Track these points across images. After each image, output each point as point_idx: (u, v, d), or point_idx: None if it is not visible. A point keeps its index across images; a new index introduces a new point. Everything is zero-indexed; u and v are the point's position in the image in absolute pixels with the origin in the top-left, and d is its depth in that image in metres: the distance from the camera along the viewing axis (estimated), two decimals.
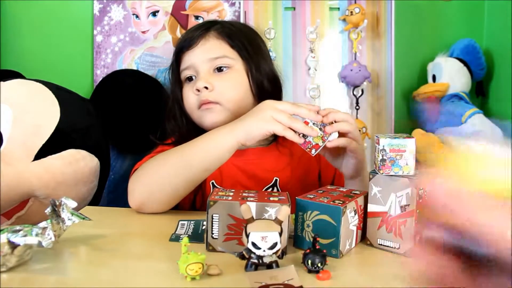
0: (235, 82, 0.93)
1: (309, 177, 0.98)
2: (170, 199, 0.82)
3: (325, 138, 0.74)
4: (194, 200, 0.92)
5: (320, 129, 0.74)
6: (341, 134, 0.77)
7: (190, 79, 0.96)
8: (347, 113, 0.81)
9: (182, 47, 0.96)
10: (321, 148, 0.75)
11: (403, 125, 1.46)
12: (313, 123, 0.74)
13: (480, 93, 1.44)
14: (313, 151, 0.75)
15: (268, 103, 0.78)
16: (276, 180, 0.94)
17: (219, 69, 0.93)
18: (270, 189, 0.94)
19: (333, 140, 0.76)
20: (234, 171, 0.94)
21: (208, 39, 0.94)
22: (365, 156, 0.86)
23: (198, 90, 0.91)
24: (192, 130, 0.95)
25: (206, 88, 0.90)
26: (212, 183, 0.93)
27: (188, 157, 0.80)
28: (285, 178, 0.95)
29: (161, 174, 0.81)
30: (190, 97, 0.94)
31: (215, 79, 0.91)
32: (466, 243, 0.36)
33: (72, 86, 1.12)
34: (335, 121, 0.76)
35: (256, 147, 0.95)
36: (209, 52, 0.93)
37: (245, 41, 0.96)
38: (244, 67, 0.94)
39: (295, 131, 0.74)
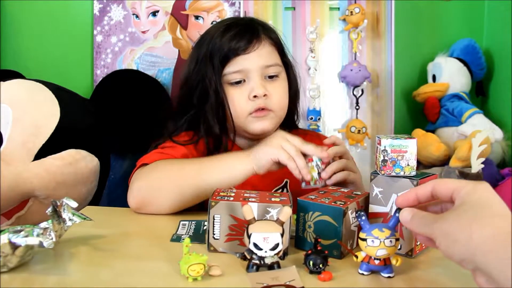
0: (285, 90, 0.95)
1: None
2: (172, 206, 0.81)
3: (317, 182, 0.79)
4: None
5: (319, 173, 0.79)
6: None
7: (237, 82, 0.92)
8: (343, 145, 0.87)
9: (233, 50, 0.91)
10: (309, 187, 0.79)
11: (403, 125, 1.46)
12: (316, 164, 0.78)
13: (480, 93, 1.44)
14: (303, 184, 0.80)
15: (281, 133, 0.81)
16: (286, 181, 0.94)
17: (270, 77, 0.93)
18: (280, 190, 0.94)
19: (332, 178, 0.80)
20: None
21: (265, 44, 0.93)
22: (362, 182, 0.88)
23: (255, 97, 0.90)
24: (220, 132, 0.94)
25: (265, 95, 0.90)
26: None
27: (203, 171, 0.81)
28: (296, 180, 0.94)
29: (171, 183, 0.81)
30: (243, 102, 0.91)
31: (270, 87, 0.91)
32: None
33: (72, 86, 1.12)
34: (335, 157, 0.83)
35: None
36: (265, 59, 0.92)
37: (285, 46, 0.99)
38: (286, 75, 0.97)
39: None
